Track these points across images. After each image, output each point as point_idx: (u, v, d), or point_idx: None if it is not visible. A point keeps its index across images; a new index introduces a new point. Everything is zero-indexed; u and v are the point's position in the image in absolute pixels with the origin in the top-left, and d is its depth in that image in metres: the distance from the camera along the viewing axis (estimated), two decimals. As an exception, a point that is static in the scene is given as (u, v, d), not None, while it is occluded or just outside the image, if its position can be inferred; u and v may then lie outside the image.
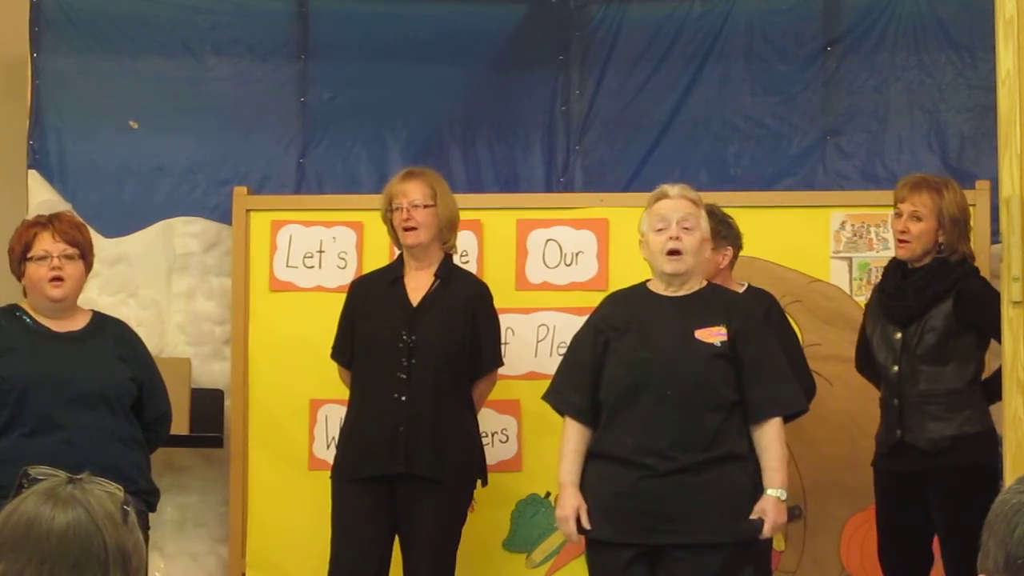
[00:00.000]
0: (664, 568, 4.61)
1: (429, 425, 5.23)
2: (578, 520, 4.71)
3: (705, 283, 4.84)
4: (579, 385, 4.80)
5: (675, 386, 4.62)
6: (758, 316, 4.95)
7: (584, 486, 4.74)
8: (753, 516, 4.59)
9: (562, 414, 4.87)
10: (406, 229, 5.36)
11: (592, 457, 4.76)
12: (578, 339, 4.92)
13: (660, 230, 4.73)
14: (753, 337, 4.72)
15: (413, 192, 5.36)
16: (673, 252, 4.70)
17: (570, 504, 4.72)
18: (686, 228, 4.71)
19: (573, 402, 4.82)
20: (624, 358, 4.72)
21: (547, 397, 4.96)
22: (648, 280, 4.87)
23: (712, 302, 4.76)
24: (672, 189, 4.81)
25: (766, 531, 4.60)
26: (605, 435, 4.73)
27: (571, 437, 4.79)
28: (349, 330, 5.44)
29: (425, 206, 5.34)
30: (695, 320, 4.70)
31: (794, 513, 4.95)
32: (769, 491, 4.62)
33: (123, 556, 1.98)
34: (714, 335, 4.68)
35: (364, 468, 5.28)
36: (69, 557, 1.95)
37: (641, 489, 4.61)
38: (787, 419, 5.40)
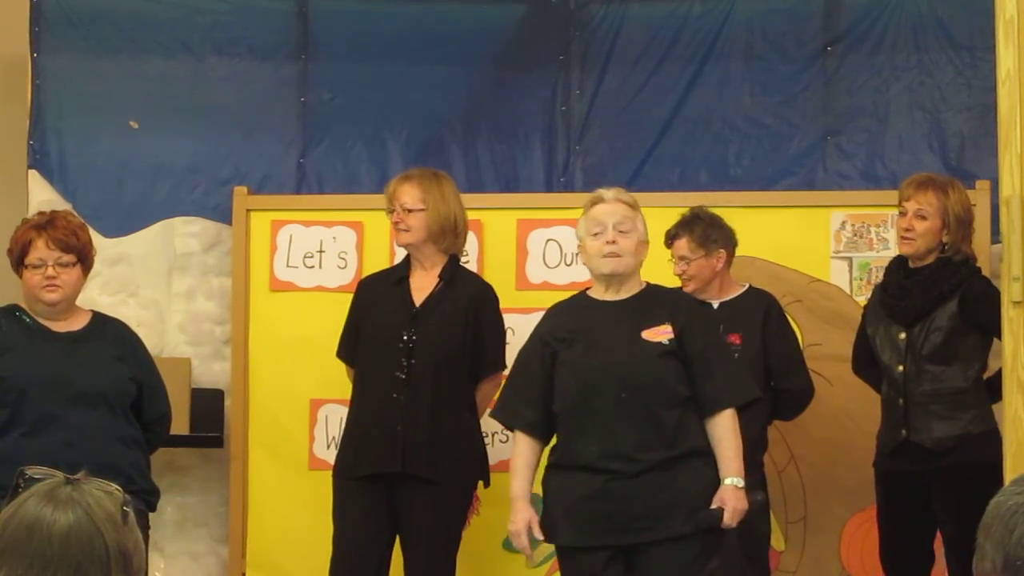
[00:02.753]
0: (639, 566, 4.63)
1: (427, 425, 5.23)
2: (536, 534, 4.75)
3: (645, 284, 4.84)
4: (529, 399, 4.81)
5: (629, 388, 4.64)
6: (702, 311, 4.99)
7: (547, 496, 4.78)
8: (713, 506, 4.62)
9: (511, 429, 4.90)
10: (398, 230, 5.40)
11: (553, 468, 4.78)
12: (524, 354, 4.92)
13: (597, 234, 4.75)
14: (699, 332, 4.75)
15: (404, 196, 5.38)
16: (610, 255, 4.73)
17: (521, 518, 4.75)
18: (622, 231, 4.74)
19: (524, 416, 4.82)
20: (575, 368, 4.73)
21: (495, 414, 4.98)
22: (587, 288, 4.89)
23: (655, 301, 4.78)
24: (608, 193, 4.83)
25: (726, 519, 4.62)
26: (566, 446, 4.75)
27: (522, 452, 4.81)
28: (354, 329, 5.45)
29: (413, 210, 5.35)
30: (640, 321, 4.72)
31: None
32: (726, 480, 4.65)
33: (124, 557, 1.98)
34: (660, 334, 4.70)
35: (362, 467, 5.28)
36: (71, 560, 1.95)
37: (609, 491, 4.63)
38: (789, 415, 5.40)
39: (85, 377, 4.78)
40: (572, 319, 4.82)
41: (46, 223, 4.88)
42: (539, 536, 4.75)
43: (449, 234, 5.40)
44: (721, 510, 4.62)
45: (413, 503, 5.24)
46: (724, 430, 4.69)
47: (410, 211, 5.36)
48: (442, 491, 5.24)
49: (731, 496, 4.64)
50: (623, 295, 4.78)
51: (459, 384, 5.34)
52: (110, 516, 1.99)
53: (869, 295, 5.54)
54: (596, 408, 4.67)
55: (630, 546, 4.63)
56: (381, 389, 5.29)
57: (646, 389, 4.65)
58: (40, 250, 4.82)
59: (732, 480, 4.65)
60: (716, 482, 4.66)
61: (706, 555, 4.65)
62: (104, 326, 4.95)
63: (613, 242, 4.73)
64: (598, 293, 4.82)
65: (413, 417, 5.23)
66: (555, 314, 4.92)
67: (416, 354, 5.28)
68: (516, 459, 4.83)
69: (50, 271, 4.80)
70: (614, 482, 4.62)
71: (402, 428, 5.23)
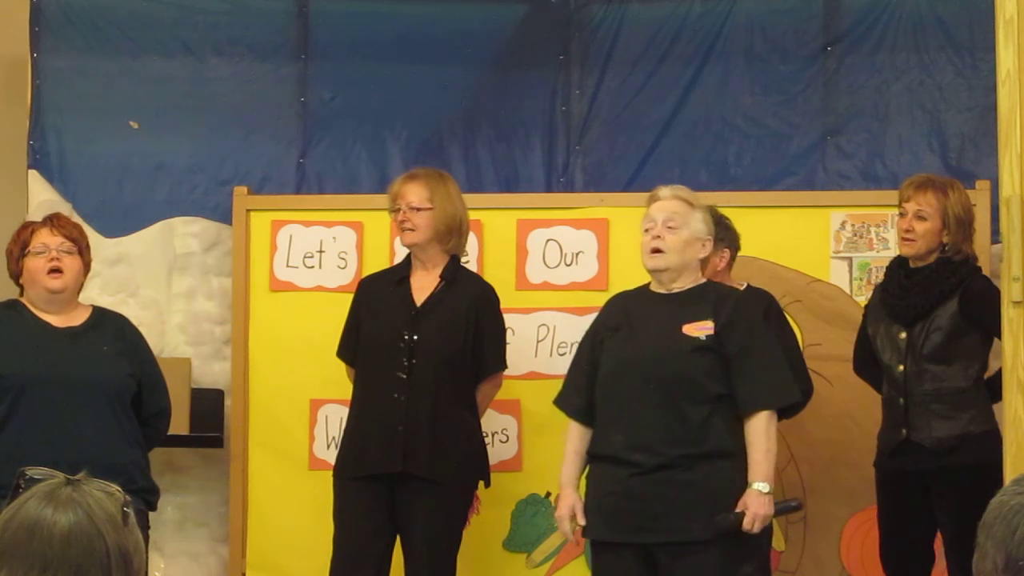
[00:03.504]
0: (663, 567, 4.61)
1: (428, 425, 5.23)
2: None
3: (704, 281, 4.87)
4: (579, 386, 4.87)
5: (656, 381, 4.66)
6: (750, 309, 4.93)
7: (586, 488, 4.81)
8: (736, 509, 4.59)
9: (569, 416, 4.92)
10: (403, 229, 5.39)
11: (592, 458, 4.81)
12: (581, 342, 5.00)
13: (647, 230, 4.80)
14: (741, 330, 4.73)
15: (410, 195, 5.37)
16: (654, 250, 4.76)
17: (566, 504, 4.80)
18: (670, 227, 4.76)
19: (574, 403, 4.89)
20: (612, 356, 4.78)
21: (555, 401, 5.02)
22: (651, 281, 4.91)
23: (703, 297, 4.79)
24: (665, 190, 4.89)
25: (746, 523, 4.59)
26: (597, 434, 4.79)
27: (572, 438, 4.86)
28: (355, 328, 5.45)
29: (420, 209, 5.35)
30: (684, 315, 4.74)
31: (791, 505, 4.92)
32: (752, 485, 4.62)
33: (124, 559, 1.98)
34: (700, 329, 4.71)
35: (363, 467, 5.28)
36: (72, 562, 1.95)
37: (631, 487, 4.64)
38: (789, 414, 5.37)
39: (85, 373, 4.79)
40: (623, 309, 4.87)
41: (47, 217, 4.96)
42: (582, 522, 4.76)
43: (454, 234, 5.41)
44: (740, 514, 4.59)
45: (414, 503, 5.24)
46: (755, 433, 4.66)
47: (417, 210, 5.36)
48: (443, 491, 5.24)
49: (754, 501, 4.60)
50: (675, 290, 4.81)
51: (460, 384, 5.34)
52: (111, 517, 1.98)
53: (869, 295, 5.54)
54: (625, 398, 4.71)
55: (653, 546, 4.62)
56: (382, 389, 5.28)
57: (672, 383, 4.65)
58: (44, 236, 4.86)
59: (758, 485, 4.61)
60: (741, 486, 4.62)
61: (733, 562, 4.60)
62: (104, 321, 4.96)
63: (659, 237, 4.76)
64: (655, 286, 4.86)
65: (414, 417, 5.23)
66: (611, 303, 4.98)
67: (417, 354, 5.28)
68: (567, 445, 4.88)
69: (54, 254, 4.83)
70: (635, 478, 4.63)
71: (403, 428, 5.23)
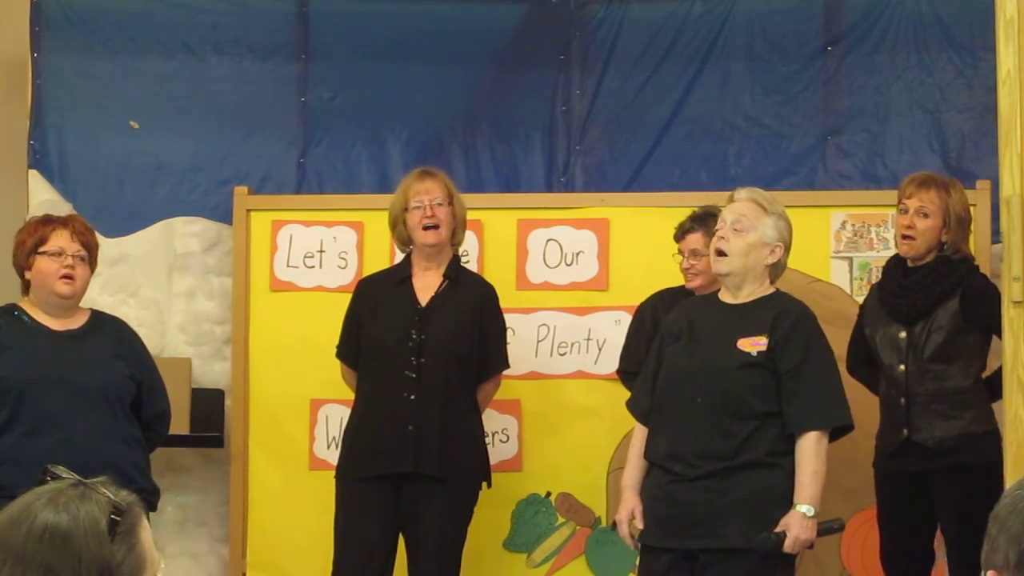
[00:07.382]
0: (697, 571, 4.58)
1: (438, 424, 5.23)
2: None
3: (773, 291, 4.77)
4: (645, 389, 4.83)
5: (704, 394, 4.61)
6: (809, 328, 4.73)
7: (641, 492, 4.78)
8: (778, 529, 4.52)
9: (636, 419, 4.90)
10: (426, 228, 5.37)
11: (648, 463, 4.78)
12: (654, 343, 4.94)
13: (716, 230, 4.74)
14: (796, 348, 4.63)
15: (434, 190, 5.38)
16: (718, 252, 4.70)
17: (624, 508, 4.75)
18: (736, 230, 4.69)
19: (641, 405, 4.84)
20: (668, 364, 4.74)
21: (627, 403, 4.98)
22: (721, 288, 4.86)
23: (764, 311, 4.68)
24: (741, 192, 4.81)
25: (787, 545, 4.52)
26: (649, 440, 4.75)
27: (636, 441, 4.82)
28: (355, 329, 5.44)
29: (444, 204, 5.36)
30: (742, 329, 4.65)
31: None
32: (797, 506, 4.55)
33: (101, 571, 1.94)
34: (754, 344, 4.63)
35: (372, 467, 5.27)
36: (40, 562, 1.92)
37: (671, 493, 4.62)
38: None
39: (84, 376, 4.78)
40: (688, 315, 4.81)
41: (66, 219, 4.96)
42: (640, 526, 4.73)
43: (465, 230, 5.46)
44: (782, 535, 4.52)
45: (422, 502, 5.23)
46: (802, 453, 4.58)
47: (443, 205, 5.36)
48: (451, 490, 5.24)
49: (797, 523, 4.52)
50: (741, 299, 4.73)
51: (467, 383, 5.35)
52: (94, 528, 1.96)
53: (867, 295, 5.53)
54: (672, 408, 4.68)
55: (692, 551, 4.58)
56: (391, 388, 5.28)
57: (718, 398, 4.60)
58: (63, 239, 4.85)
59: (802, 507, 4.53)
60: (779, 494, 4.56)
61: (764, 571, 4.54)
62: (103, 324, 4.96)
63: (723, 238, 4.69)
64: (724, 294, 4.79)
65: (425, 416, 5.23)
66: (680, 307, 4.93)
67: (426, 353, 5.28)
68: (631, 448, 4.84)
69: (69, 260, 4.83)
70: (674, 486, 4.61)
71: (414, 427, 5.22)
